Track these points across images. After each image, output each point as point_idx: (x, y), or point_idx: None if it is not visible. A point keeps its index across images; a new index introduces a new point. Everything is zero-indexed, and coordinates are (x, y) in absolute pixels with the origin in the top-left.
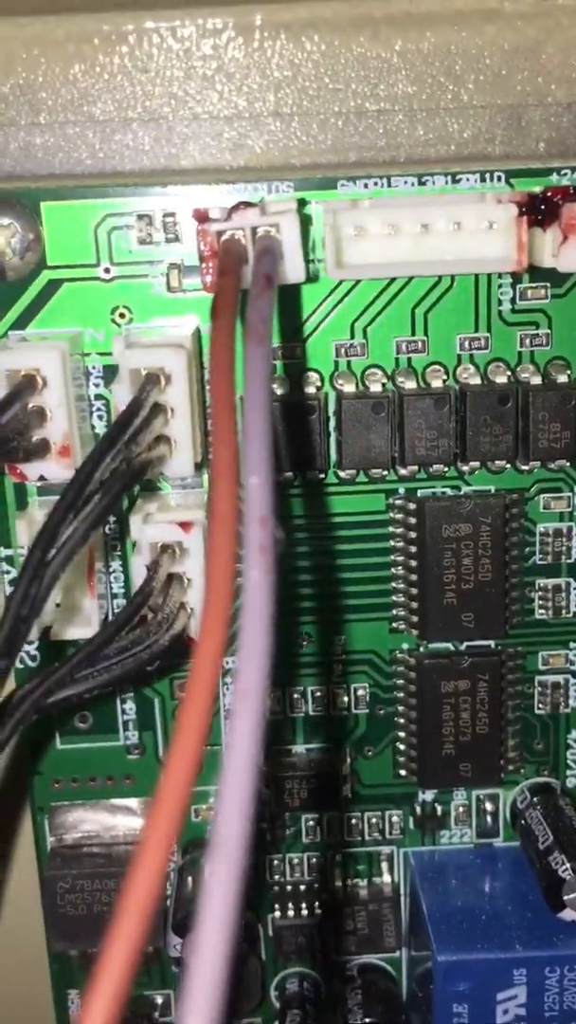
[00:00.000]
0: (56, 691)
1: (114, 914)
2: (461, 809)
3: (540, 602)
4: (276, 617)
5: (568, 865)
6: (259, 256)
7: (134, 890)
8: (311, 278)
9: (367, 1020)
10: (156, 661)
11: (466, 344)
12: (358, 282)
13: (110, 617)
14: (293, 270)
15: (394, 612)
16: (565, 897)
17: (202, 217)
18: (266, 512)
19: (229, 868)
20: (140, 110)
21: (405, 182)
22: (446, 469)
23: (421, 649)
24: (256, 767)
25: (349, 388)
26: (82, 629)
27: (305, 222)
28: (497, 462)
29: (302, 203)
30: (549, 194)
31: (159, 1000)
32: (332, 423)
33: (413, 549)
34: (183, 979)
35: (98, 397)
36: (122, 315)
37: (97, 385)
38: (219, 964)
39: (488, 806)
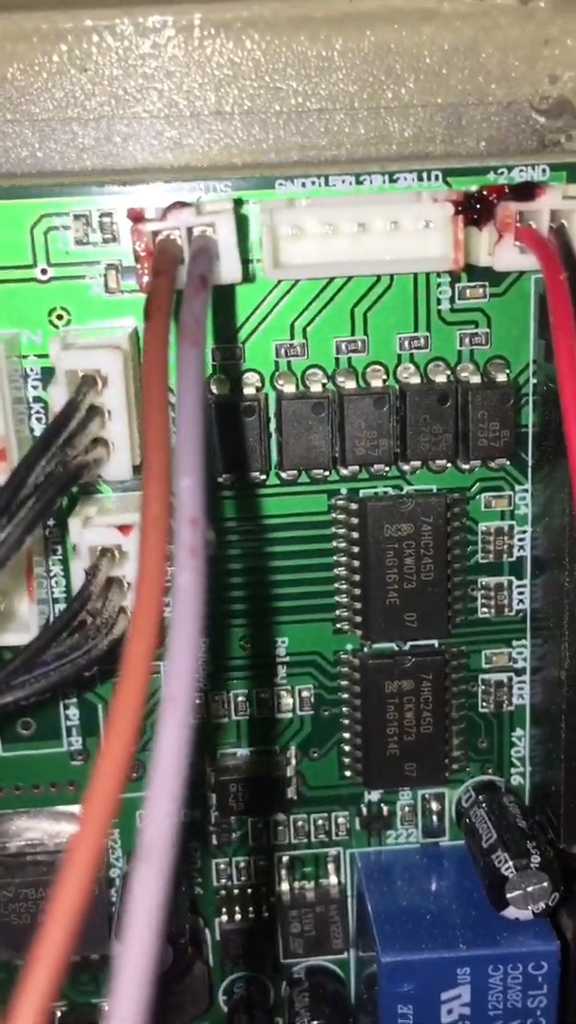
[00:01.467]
0: None
1: (44, 920)
2: (407, 809)
3: (483, 601)
4: (206, 620)
5: (511, 863)
6: (194, 256)
7: (61, 895)
8: (249, 278)
9: (314, 1023)
10: (95, 666)
11: (406, 343)
12: (297, 282)
13: (50, 622)
14: (229, 270)
15: (337, 613)
16: (508, 895)
17: (137, 217)
18: (197, 513)
19: (155, 870)
20: (80, 109)
21: (343, 181)
22: (387, 469)
23: (365, 649)
24: (183, 771)
25: (289, 388)
26: (21, 635)
27: (242, 222)
28: (438, 461)
29: (239, 203)
30: (484, 193)
31: (107, 1008)
32: (273, 424)
33: (356, 549)
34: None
35: (36, 399)
36: (60, 316)
37: (35, 387)
38: (145, 966)
39: (434, 805)
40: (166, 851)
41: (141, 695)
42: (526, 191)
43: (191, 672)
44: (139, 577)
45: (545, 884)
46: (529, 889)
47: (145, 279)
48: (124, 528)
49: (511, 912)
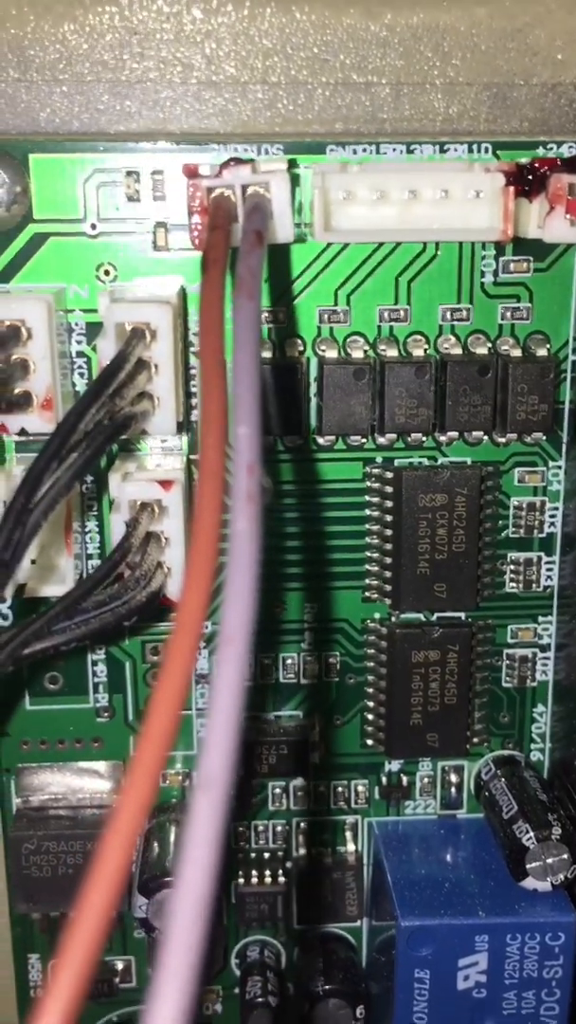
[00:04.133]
0: (33, 642)
1: (82, 878)
2: (426, 780)
3: (511, 575)
4: (261, 566)
5: (532, 834)
6: (249, 213)
7: (107, 854)
8: (298, 240)
9: (327, 987)
10: (133, 617)
11: (448, 315)
12: (344, 247)
13: (85, 576)
14: (282, 229)
15: (367, 581)
16: (528, 865)
17: (192, 172)
18: (253, 460)
19: (214, 800)
20: (127, 72)
21: (393, 149)
22: (424, 439)
23: (393, 619)
24: (240, 713)
25: (331, 354)
26: (57, 587)
27: (293, 183)
28: (474, 434)
29: (292, 164)
30: (536, 164)
31: (119, 966)
32: (313, 389)
33: (389, 518)
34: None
35: (80, 354)
36: (107, 272)
37: (79, 342)
38: (200, 910)
39: (453, 777)
40: (225, 783)
41: (195, 640)
42: None
43: (248, 614)
44: (195, 526)
45: (565, 856)
46: (549, 860)
47: (197, 235)
48: (166, 483)
49: (530, 883)
